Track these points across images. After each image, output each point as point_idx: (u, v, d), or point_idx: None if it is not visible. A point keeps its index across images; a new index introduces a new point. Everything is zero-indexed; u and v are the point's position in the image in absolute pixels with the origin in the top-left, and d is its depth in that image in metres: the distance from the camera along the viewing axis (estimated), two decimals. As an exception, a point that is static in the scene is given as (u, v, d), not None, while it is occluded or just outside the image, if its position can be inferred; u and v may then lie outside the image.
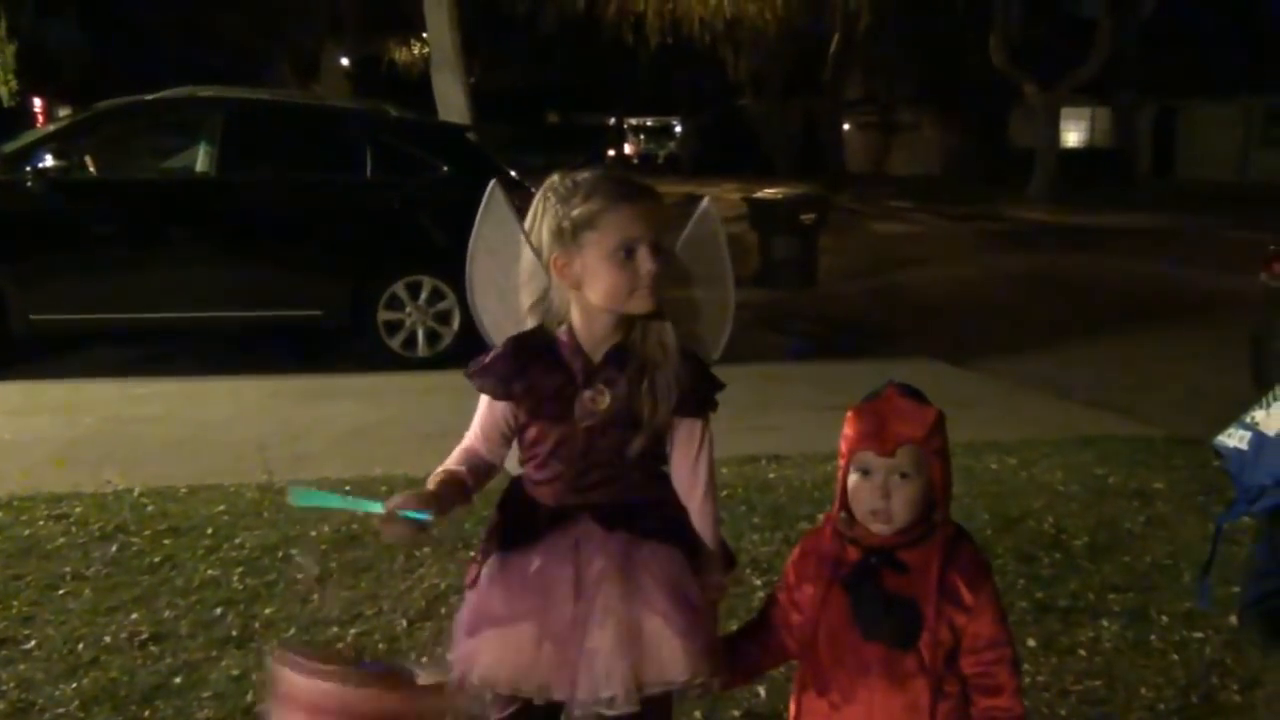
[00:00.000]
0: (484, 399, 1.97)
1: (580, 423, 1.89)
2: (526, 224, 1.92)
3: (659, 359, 1.89)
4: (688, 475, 1.97)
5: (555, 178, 1.90)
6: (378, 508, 1.76)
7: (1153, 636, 3.36)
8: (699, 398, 1.94)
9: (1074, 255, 14.90)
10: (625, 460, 1.91)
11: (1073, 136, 34.33)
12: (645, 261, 1.83)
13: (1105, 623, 3.44)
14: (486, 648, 1.83)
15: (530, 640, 1.81)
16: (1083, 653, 3.25)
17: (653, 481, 1.96)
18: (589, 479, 1.91)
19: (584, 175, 1.89)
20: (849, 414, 1.85)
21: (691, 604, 1.85)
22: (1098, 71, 26.05)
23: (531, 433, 1.94)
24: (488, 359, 1.95)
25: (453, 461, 1.96)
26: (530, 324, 1.95)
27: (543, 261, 1.89)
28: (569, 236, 1.84)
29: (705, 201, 2.06)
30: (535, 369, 1.90)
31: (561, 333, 1.91)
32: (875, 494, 1.79)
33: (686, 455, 1.96)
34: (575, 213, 1.84)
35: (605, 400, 1.89)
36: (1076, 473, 5.03)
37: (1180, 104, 32.91)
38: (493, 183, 2.01)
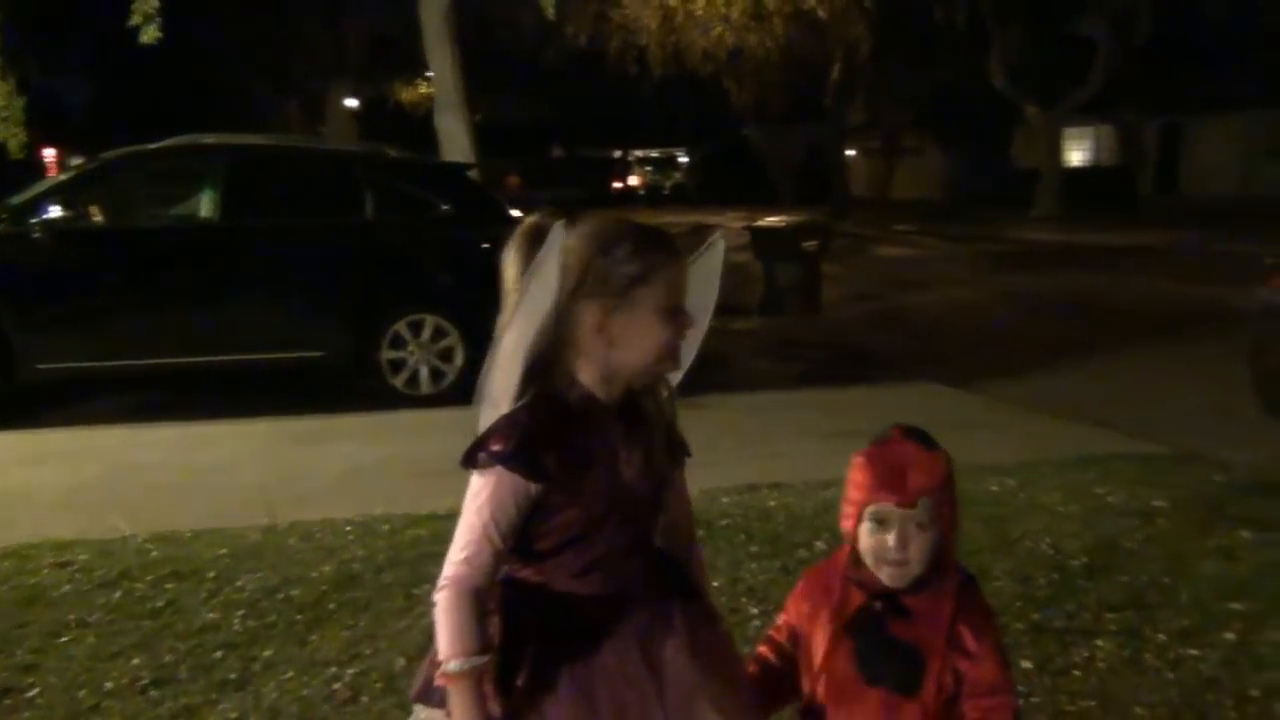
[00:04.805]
0: (494, 493, 1.64)
1: (627, 491, 1.73)
2: (535, 269, 1.65)
3: (664, 411, 1.79)
4: (686, 523, 1.91)
5: (559, 224, 1.67)
6: None
7: (1148, 655, 3.36)
8: (683, 442, 1.86)
9: (1077, 274, 14.90)
10: (655, 524, 1.82)
11: (1076, 156, 34.42)
12: (686, 320, 1.71)
13: (1100, 642, 3.44)
14: None
15: None
16: (1078, 673, 3.25)
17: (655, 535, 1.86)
18: (631, 554, 1.76)
19: (608, 225, 1.71)
20: (859, 461, 1.80)
21: (742, 684, 1.82)
22: (1100, 90, 26.15)
23: (565, 516, 1.69)
24: (507, 436, 1.63)
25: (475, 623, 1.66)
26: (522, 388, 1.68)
27: (558, 313, 1.66)
28: (618, 291, 1.65)
29: (718, 235, 1.90)
30: (569, 437, 1.67)
31: (575, 396, 1.70)
32: (894, 546, 1.75)
33: (682, 502, 1.90)
34: (628, 267, 1.65)
35: (637, 462, 1.74)
36: (1076, 492, 5.03)
37: (1184, 120, 32.93)
38: (558, 224, 1.69)
